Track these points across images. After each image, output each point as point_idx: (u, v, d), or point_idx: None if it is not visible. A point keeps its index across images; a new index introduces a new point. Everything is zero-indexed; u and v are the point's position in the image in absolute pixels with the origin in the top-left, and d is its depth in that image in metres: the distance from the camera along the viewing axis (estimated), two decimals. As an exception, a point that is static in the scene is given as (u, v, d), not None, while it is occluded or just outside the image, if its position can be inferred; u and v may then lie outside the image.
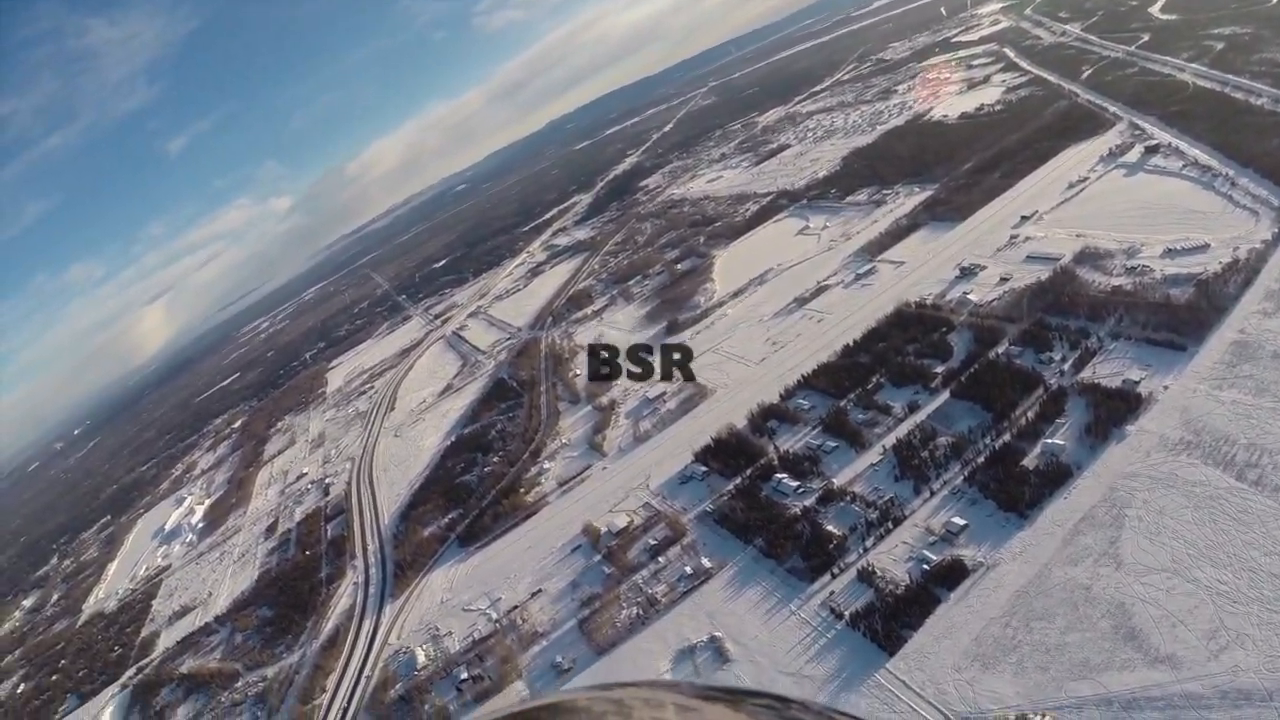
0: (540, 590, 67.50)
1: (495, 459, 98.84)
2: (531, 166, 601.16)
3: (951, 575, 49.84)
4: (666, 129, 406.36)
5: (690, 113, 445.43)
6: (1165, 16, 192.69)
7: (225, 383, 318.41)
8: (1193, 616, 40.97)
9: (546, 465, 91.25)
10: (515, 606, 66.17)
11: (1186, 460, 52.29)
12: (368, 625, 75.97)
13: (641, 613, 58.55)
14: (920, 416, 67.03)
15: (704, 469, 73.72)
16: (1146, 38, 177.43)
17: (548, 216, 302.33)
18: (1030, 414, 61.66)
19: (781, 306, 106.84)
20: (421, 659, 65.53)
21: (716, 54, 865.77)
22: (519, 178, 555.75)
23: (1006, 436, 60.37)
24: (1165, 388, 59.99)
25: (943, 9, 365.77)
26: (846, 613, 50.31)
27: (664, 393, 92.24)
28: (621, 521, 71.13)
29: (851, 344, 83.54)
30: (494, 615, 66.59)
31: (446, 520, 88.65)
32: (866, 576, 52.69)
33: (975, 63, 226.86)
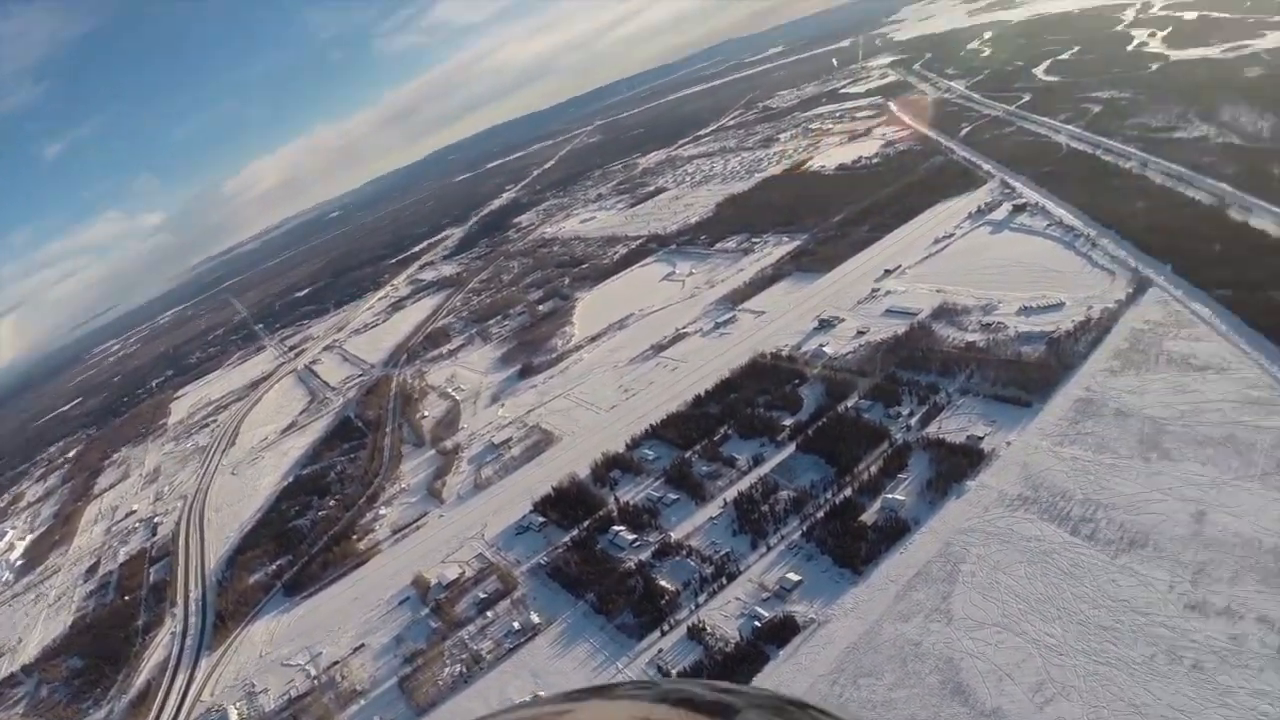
0: (363, 645, 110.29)
1: (331, 503, 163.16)
2: (409, 196, 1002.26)
3: (782, 632, 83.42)
4: (548, 165, 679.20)
5: (574, 150, 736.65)
6: (1048, 78, 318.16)
7: (65, 408, 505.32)
8: (1020, 670, 71.04)
9: (382, 511, 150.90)
10: (336, 662, 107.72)
11: (1023, 515, 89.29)
12: (181, 680, 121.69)
13: (465, 670, 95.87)
14: (764, 469, 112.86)
15: (542, 519, 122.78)
16: (1027, 98, 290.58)
17: (417, 249, 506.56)
18: (873, 469, 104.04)
19: (638, 353, 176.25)
20: (234, 718, 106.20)
21: (608, 92, 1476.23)
22: (395, 207, 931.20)
23: (848, 491, 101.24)
24: (1008, 444, 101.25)
25: (834, 60, 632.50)
26: (673, 671, 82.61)
27: (509, 438, 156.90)
28: (453, 573, 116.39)
29: (703, 394, 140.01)
30: (313, 671, 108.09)
31: (274, 567, 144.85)
32: (696, 634, 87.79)
33: (859, 115, 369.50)
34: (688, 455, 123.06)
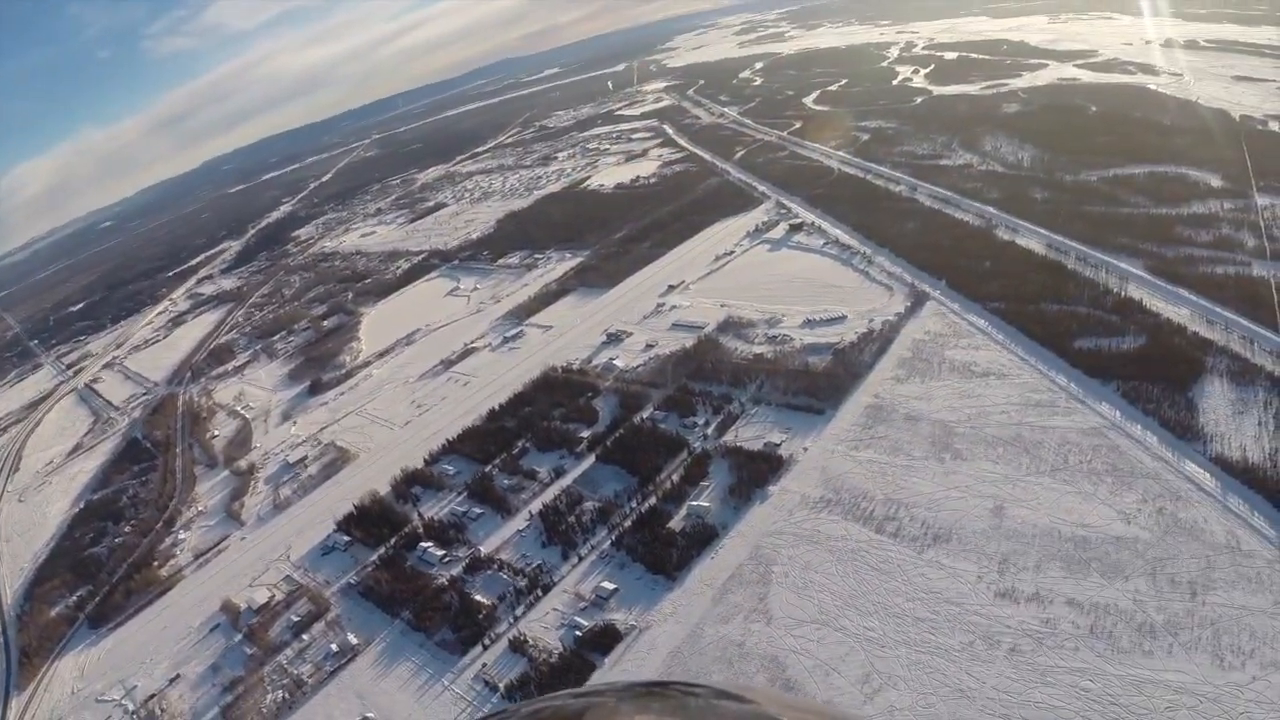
0: (179, 675, 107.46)
1: (127, 528, 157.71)
2: (183, 207, 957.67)
3: (605, 640, 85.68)
4: (326, 178, 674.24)
5: (351, 164, 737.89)
6: (818, 108, 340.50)
7: None
8: (845, 664, 73.12)
9: (182, 535, 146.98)
10: (153, 695, 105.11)
11: (828, 516, 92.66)
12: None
13: (288, 696, 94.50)
14: (566, 481, 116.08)
15: (347, 538, 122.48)
16: (799, 125, 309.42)
17: (195, 262, 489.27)
18: (675, 477, 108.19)
19: (428, 368, 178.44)
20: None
21: (386, 105, 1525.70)
22: (169, 218, 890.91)
23: (652, 500, 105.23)
24: (805, 449, 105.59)
25: (609, 83, 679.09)
26: (501, 685, 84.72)
27: (305, 457, 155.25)
28: (262, 597, 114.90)
29: (498, 408, 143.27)
30: (130, 706, 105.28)
31: (75, 598, 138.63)
32: (519, 646, 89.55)
33: (635, 136, 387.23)
34: (488, 469, 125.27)
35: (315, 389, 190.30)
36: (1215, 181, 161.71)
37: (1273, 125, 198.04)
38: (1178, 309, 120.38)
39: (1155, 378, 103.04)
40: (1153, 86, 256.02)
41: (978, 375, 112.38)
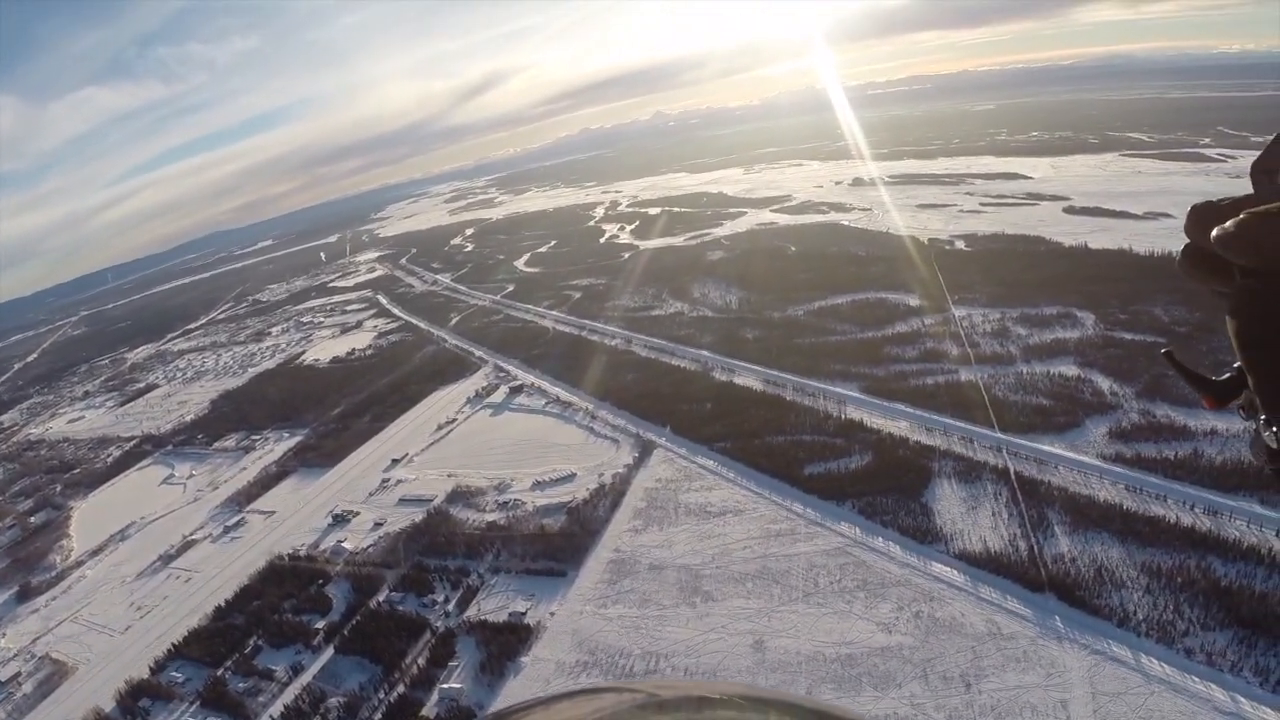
0: None
1: None
2: None
3: None
4: (31, 359, 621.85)
5: (58, 342, 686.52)
6: (529, 269, 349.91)
7: None
8: None
9: None
10: None
11: (587, 680, 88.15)
12: None
13: None
14: (306, 678, 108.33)
15: None
16: (512, 288, 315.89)
17: None
18: (422, 660, 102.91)
19: (146, 565, 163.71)
20: None
21: (94, 280, 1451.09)
22: None
23: (401, 688, 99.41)
24: (552, 614, 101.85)
25: (322, 254, 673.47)
26: None
27: (18, 674, 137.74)
28: None
29: (224, 604, 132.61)
30: None
31: None
32: None
33: (349, 308, 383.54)
34: (220, 673, 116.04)
35: (24, 594, 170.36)
36: (914, 301, 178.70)
37: (959, 244, 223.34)
38: (897, 423, 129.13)
39: (888, 490, 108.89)
40: (845, 222, 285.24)
41: (715, 515, 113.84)
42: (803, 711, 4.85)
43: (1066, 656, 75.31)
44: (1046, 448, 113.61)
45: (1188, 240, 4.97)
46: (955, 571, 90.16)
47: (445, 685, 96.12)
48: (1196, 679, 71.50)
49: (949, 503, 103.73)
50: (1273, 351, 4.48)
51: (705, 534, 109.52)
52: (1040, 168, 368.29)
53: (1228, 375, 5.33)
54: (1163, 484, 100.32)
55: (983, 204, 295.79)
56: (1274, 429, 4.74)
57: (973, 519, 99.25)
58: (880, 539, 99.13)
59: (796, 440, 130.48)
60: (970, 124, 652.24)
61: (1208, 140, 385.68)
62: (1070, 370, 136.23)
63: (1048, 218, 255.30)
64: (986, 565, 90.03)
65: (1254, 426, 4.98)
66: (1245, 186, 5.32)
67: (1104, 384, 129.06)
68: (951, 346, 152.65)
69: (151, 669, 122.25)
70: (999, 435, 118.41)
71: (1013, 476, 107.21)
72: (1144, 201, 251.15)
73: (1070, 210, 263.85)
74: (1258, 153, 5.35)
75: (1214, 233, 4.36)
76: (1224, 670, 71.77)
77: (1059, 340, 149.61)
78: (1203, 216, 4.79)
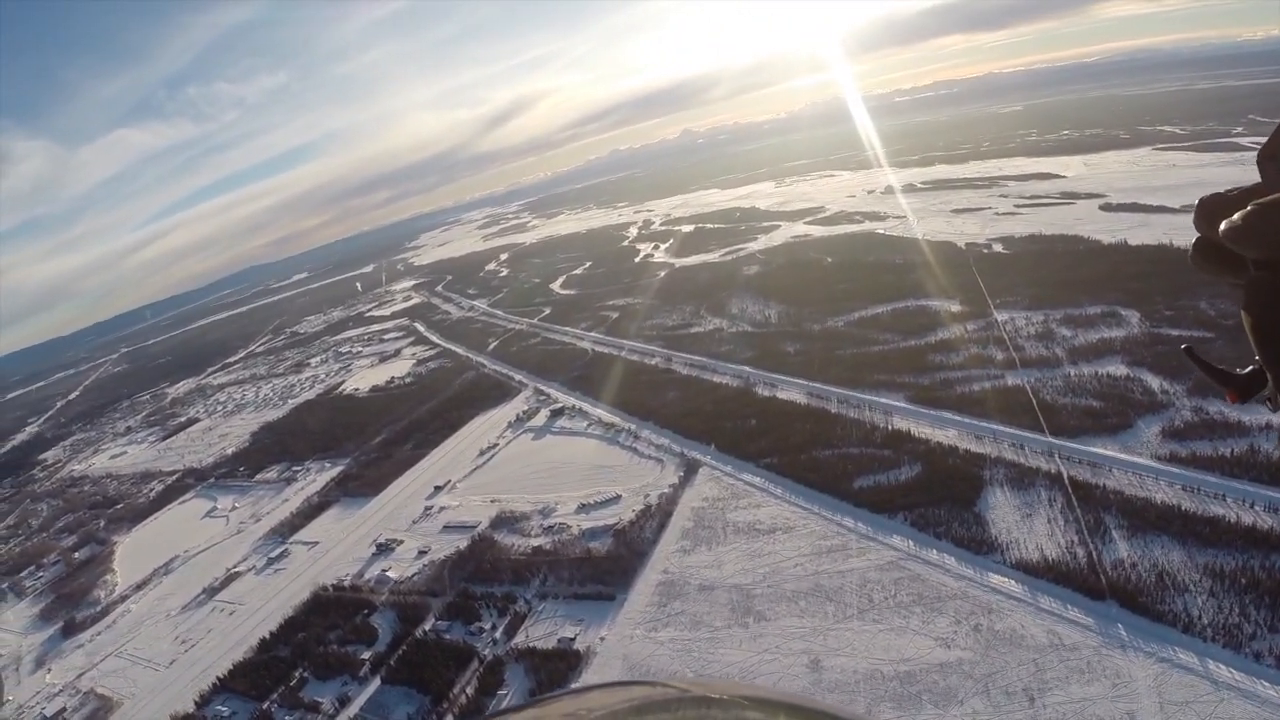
0: None
1: None
2: None
3: None
4: (73, 396, 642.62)
5: (99, 380, 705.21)
6: (565, 292, 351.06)
7: None
8: None
9: None
10: None
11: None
12: None
13: None
14: (353, 710, 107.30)
15: None
16: (548, 311, 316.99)
17: None
18: (470, 690, 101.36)
19: (191, 598, 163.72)
20: None
21: (132, 318, 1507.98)
22: None
23: (450, 718, 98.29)
24: (602, 639, 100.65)
25: (358, 284, 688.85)
26: None
27: (64, 709, 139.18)
28: None
29: (268, 636, 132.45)
30: None
31: None
32: None
33: (387, 336, 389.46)
34: (265, 706, 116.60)
35: (69, 630, 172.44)
36: (955, 307, 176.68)
37: (996, 247, 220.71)
38: (945, 431, 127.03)
39: (939, 501, 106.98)
40: (880, 231, 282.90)
41: (764, 533, 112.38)
42: (807, 714, 4.79)
43: (1132, 666, 73.42)
44: (1099, 450, 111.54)
45: (1198, 234, 5.06)
46: (1013, 582, 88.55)
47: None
48: (1267, 684, 69.44)
49: (1003, 511, 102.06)
50: None
51: (755, 552, 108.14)
52: (1073, 166, 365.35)
53: (1250, 368, 5.33)
54: (1220, 482, 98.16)
55: (1018, 205, 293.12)
56: None
57: (1028, 527, 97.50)
58: (934, 551, 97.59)
59: (844, 453, 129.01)
60: (999, 126, 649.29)
61: (1240, 129, 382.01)
62: (1118, 370, 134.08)
63: (1084, 216, 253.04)
64: (1045, 574, 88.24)
65: None
66: None
67: (1154, 382, 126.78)
68: (996, 351, 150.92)
69: (196, 703, 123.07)
70: (1050, 440, 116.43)
71: (1066, 481, 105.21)
72: (1181, 195, 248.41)
73: (1107, 207, 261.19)
74: None
75: (1222, 226, 4.37)
76: (1295, 674, 69.53)
77: (1105, 340, 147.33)
78: (1211, 209, 4.83)
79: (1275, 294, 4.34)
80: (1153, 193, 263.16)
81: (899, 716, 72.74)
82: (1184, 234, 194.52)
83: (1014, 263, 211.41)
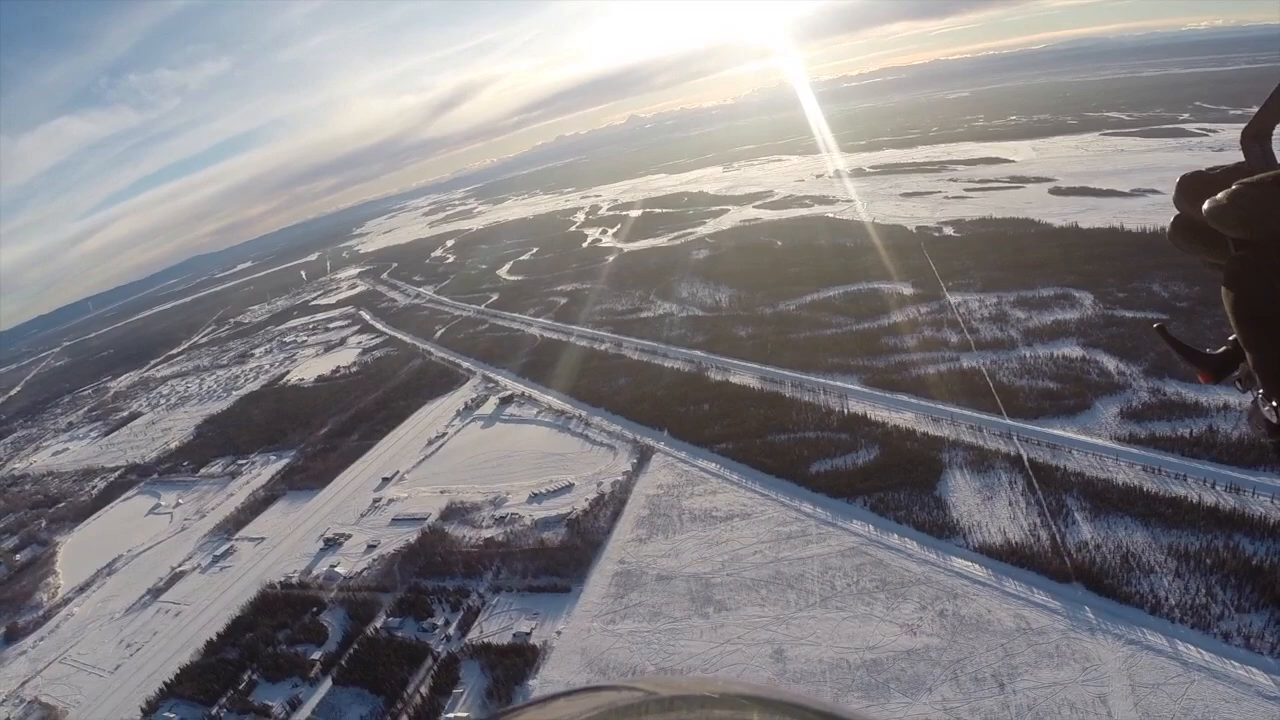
0: None
1: None
2: None
3: None
4: (13, 392, 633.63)
5: (40, 374, 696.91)
6: (512, 278, 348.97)
7: None
8: None
9: None
10: None
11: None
12: None
13: None
14: (304, 713, 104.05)
15: None
16: (496, 297, 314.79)
17: None
18: (424, 689, 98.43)
19: (135, 600, 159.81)
20: None
21: (74, 311, 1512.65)
22: None
23: (404, 719, 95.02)
24: (559, 633, 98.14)
25: (303, 273, 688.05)
26: None
27: (8, 717, 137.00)
28: None
29: (215, 638, 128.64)
30: None
31: None
32: None
33: (332, 325, 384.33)
34: (215, 711, 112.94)
35: (11, 636, 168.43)
36: (908, 290, 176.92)
37: (947, 230, 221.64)
38: (902, 414, 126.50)
39: (899, 485, 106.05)
40: (830, 215, 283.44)
41: (721, 520, 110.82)
42: (805, 712, 4.58)
43: (1101, 649, 72.74)
44: (1058, 432, 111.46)
45: (1177, 212, 4.91)
46: (977, 566, 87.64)
47: (450, 715, 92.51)
48: (1236, 663, 69.10)
49: (963, 494, 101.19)
50: (1269, 324, 4.39)
51: (713, 540, 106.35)
52: (1022, 151, 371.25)
53: (1224, 349, 5.23)
54: (1181, 463, 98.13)
55: (967, 190, 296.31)
56: (1274, 403, 4.59)
57: (990, 510, 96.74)
58: (896, 536, 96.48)
59: (800, 438, 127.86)
60: (947, 111, 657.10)
61: (1187, 115, 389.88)
62: (1074, 351, 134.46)
63: (1035, 200, 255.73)
64: (1009, 558, 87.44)
65: (1252, 399, 4.84)
66: (1229, 159, 4.98)
67: (1110, 364, 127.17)
68: (950, 334, 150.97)
69: (144, 710, 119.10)
70: (1008, 422, 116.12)
71: (1026, 464, 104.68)
72: (1130, 179, 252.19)
73: (1056, 191, 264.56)
74: (1240, 125, 5.09)
75: (1205, 205, 4.30)
76: (1264, 653, 69.31)
77: (1059, 322, 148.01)
78: (1193, 187, 4.73)
79: (1256, 274, 4.27)
80: (1102, 177, 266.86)
81: (868, 706, 71.18)
82: (1134, 217, 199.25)
83: (965, 246, 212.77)
